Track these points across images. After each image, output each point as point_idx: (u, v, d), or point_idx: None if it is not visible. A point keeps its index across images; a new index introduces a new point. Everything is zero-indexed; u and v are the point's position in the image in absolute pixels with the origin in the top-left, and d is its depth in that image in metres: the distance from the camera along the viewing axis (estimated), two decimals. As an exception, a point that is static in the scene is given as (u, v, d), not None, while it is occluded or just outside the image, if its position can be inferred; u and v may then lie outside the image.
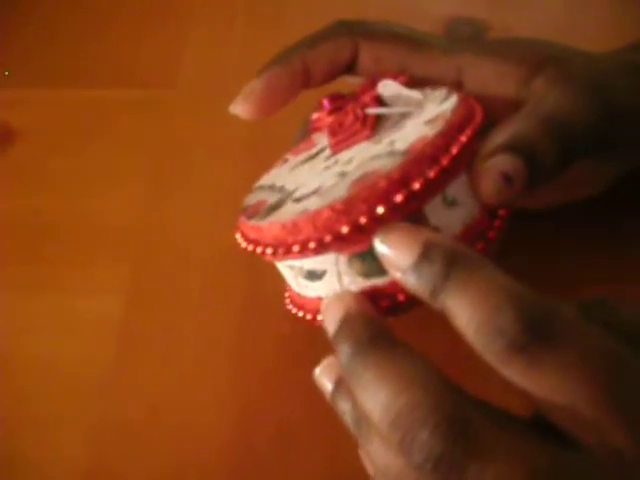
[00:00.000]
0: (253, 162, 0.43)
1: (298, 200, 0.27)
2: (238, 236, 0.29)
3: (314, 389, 0.34)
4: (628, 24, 0.37)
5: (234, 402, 0.34)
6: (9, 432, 0.34)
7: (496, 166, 0.27)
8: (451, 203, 0.26)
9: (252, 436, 0.33)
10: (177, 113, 0.47)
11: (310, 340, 0.34)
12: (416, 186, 0.24)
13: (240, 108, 0.33)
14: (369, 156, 0.27)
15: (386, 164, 0.25)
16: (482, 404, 0.23)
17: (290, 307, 0.30)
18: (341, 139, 0.29)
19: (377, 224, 0.24)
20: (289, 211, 0.26)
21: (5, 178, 0.45)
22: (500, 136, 0.28)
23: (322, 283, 0.27)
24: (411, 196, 0.24)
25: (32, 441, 0.34)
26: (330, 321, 0.25)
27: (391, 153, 0.26)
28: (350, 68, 0.34)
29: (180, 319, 0.37)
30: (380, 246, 0.24)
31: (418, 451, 0.21)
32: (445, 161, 0.25)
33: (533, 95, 0.30)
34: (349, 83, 0.34)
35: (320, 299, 0.27)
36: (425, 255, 0.23)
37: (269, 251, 0.26)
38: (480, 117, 0.27)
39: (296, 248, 0.25)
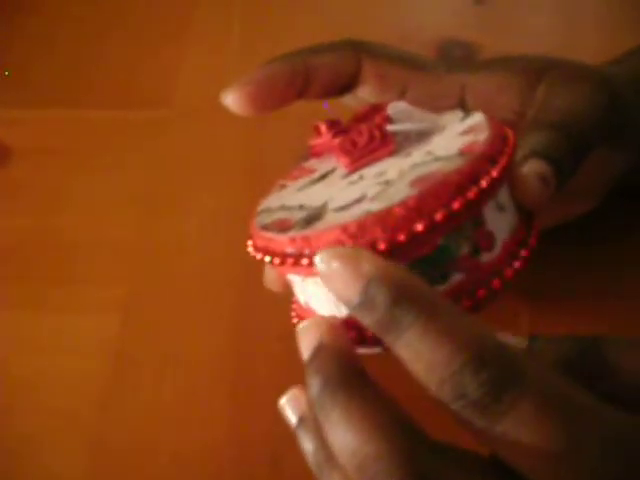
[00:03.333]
0: (249, 183, 0.44)
1: (341, 209, 0.25)
2: (257, 254, 0.27)
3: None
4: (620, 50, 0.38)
5: (230, 419, 0.34)
6: (5, 449, 0.34)
7: (534, 170, 0.28)
8: (501, 208, 0.26)
9: (247, 453, 0.33)
10: (174, 133, 0.48)
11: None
12: (483, 184, 0.24)
13: (231, 98, 0.32)
14: (409, 165, 0.26)
15: (446, 165, 0.24)
16: (446, 450, 0.22)
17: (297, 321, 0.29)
18: (359, 156, 0.28)
19: (450, 222, 0.23)
20: (337, 219, 0.24)
21: (0, 197, 0.45)
22: (524, 147, 0.29)
23: None
24: (481, 193, 0.23)
25: (29, 458, 0.34)
26: (304, 348, 0.24)
27: (440, 158, 0.25)
28: (350, 87, 0.34)
29: (176, 336, 0.38)
30: (323, 271, 0.22)
31: None
32: (503, 161, 0.25)
33: (537, 102, 0.31)
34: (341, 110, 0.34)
35: None
36: (367, 292, 0.21)
37: (305, 262, 0.24)
38: (513, 133, 0.27)
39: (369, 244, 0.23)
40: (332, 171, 0.29)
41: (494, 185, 0.24)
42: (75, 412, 0.35)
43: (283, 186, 0.31)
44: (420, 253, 0.24)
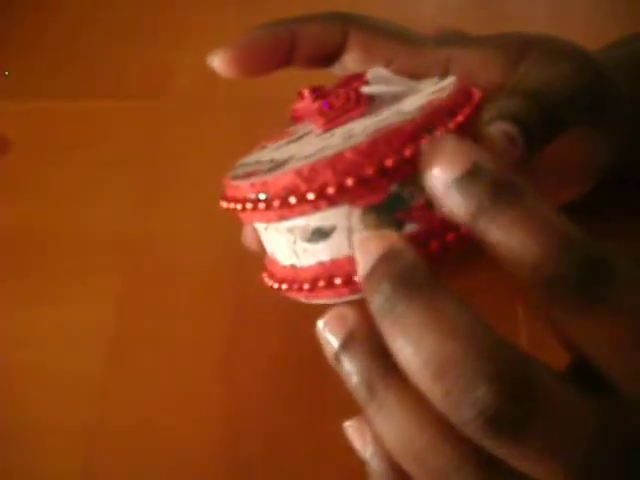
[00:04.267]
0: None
1: (304, 158, 0.25)
2: (224, 203, 0.28)
3: (302, 401, 0.35)
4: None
5: (224, 412, 0.35)
6: (2, 440, 0.34)
7: (500, 129, 0.28)
8: None
9: (240, 447, 0.33)
10: (168, 124, 0.48)
11: (299, 349, 0.35)
12: (438, 134, 0.24)
13: (218, 60, 0.32)
14: (376, 121, 0.26)
15: (406, 117, 0.24)
16: (533, 358, 0.20)
17: (269, 282, 0.29)
18: (333, 117, 0.29)
19: (401, 169, 0.23)
20: (296, 165, 0.25)
21: (-2, 188, 0.45)
22: (492, 110, 0.29)
23: (328, 243, 0.25)
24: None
25: (26, 449, 0.34)
26: (365, 257, 0.21)
27: (404, 112, 0.25)
28: (337, 57, 0.34)
29: (171, 330, 0.38)
30: (427, 157, 0.21)
31: (469, 405, 0.18)
32: (463, 115, 0.25)
33: (518, 74, 0.31)
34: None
35: (320, 265, 0.26)
36: (474, 172, 0.20)
37: (276, 203, 0.24)
38: (480, 92, 0.27)
39: (311, 196, 0.24)
40: (309, 132, 0.30)
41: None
42: (71, 403, 0.35)
43: (264, 147, 0.32)
44: (374, 200, 0.24)
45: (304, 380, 0.35)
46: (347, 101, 0.29)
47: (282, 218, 0.25)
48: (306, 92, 0.31)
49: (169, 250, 0.41)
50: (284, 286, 0.28)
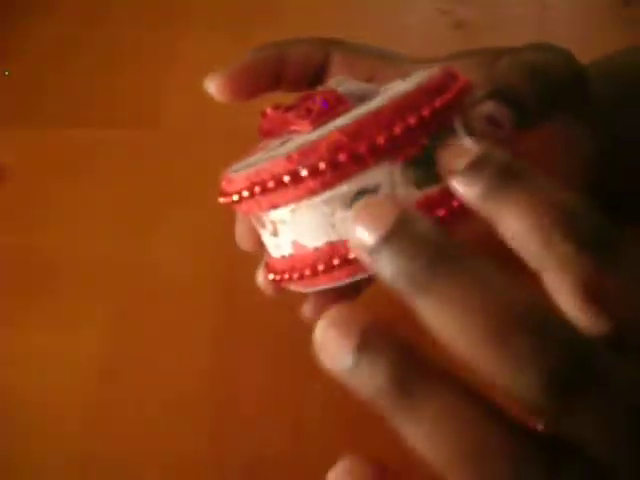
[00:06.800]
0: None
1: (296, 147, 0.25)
2: (235, 196, 0.26)
3: (291, 421, 0.35)
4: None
5: (212, 432, 0.35)
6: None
7: (481, 112, 0.28)
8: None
9: (227, 465, 0.34)
10: (159, 153, 0.48)
11: (287, 370, 0.35)
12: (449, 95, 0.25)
13: (212, 85, 0.33)
14: (375, 103, 0.26)
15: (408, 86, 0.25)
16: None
17: (275, 277, 0.28)
18: (316, 117, 0.28)
19: (433, 121, 0.24)
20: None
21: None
22: (481, 90, 0.29)
23: None
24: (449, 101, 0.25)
25: (14, 475, 0.34)
26: (375, 223, 0.19)
27: (401, 91, 0.26)
28: (321, 79, 0.34)
29: (158, 352, 0.38)
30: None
31: (538, 370, 0.17)
32: (449, 95, 0.25)
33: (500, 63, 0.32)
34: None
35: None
36: (483, 158, 0.21)
37: (322, 166, 0.24)
38: (463, 81, 0.27)
39: (362, 149, 0.23)
40: (290, 138, 0.29)
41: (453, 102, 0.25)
42: (61, 427, 0.35)
43: (243, 159, 0.31)
44: (410, 154, 0.24)
45: (295, 400, 0.35)
46: (326, 102, 0.28)
47: (325, 186, 0.24)
48: (269, 110, 0.30)
49: (158, 275, 0.42)
50: (307, 272, 0.26)
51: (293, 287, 0.28)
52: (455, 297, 0.18)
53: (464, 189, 0.21)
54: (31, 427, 0.36)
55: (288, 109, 0.29)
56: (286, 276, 0.27)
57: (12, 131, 0.51)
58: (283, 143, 0.28)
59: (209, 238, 0.43)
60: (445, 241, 0.19)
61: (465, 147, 0.21)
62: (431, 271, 0.18)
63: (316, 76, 0.34)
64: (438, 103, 0.24)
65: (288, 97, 0.32)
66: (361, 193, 0.24)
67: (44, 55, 0.56)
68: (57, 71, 0.55)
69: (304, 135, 0.27)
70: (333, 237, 0.25)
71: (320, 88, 0.30)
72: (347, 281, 0.26)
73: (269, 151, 0.29)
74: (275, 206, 0.26)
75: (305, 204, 0.25)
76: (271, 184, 0.25)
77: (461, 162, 0.21)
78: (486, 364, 0.18)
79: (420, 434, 0.18)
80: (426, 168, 0.25)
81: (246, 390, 0.36)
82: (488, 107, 0.28)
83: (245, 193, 0.26)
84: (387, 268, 0.18)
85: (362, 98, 0.29)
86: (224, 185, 0.27)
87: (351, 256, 0.25)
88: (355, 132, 0.24)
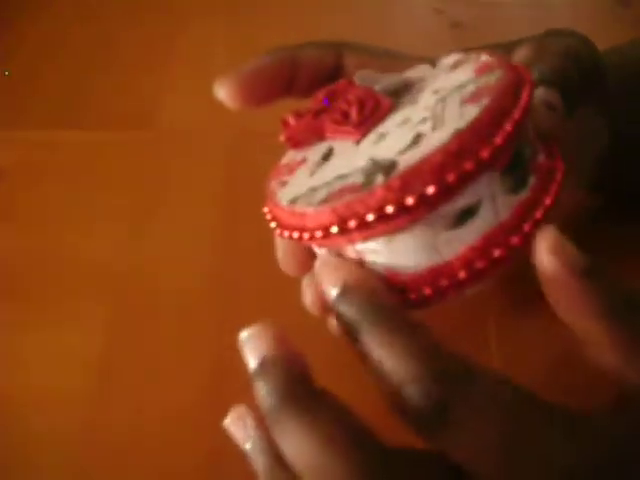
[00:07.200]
0: (230, 201, 0.44)
1: (402, 153, 0.23)
2: (318, 232, 0.24)
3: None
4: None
5: (210, 434, 0.35)
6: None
7: (539, 97, 0.28)
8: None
9: (227, 467, 0.33)
10: (157, 155, 0.48)
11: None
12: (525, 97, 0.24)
13: (223, 91, 0.32)
14: (434, 100, 0.25)
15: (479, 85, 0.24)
16: (400, 452, 0.22)
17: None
18: (360, 121, 0.26)
19: (524, 121, 0.23)
20: (414, 158, 0.23)
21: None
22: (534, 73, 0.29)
23: (479, 220, 0.24)
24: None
25: (16, 476, 0.34)
26: (251, 354, 0.24)
27: (459, 86, 0.25)
28: (333, 81, 0.33)
29: (159, 354, 0.38)
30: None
31: None
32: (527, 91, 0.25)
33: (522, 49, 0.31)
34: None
35: (471, 249, 0.23)
36: (343, 294, 0.23)
37: (430, 190, 0.22)
38: (529, 75, 0.26)
39: (471, 164, 0.22)
40: (331, 148, 0.27)
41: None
42: (59, 430, 0.35)
43: (283, 183, 0.28)
44: (505, 160, 0.24)
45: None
46: (364, 103, 0.27)
47: (432, 208, 0.23)
48: (291, 118, 0.29)
49: (158, 276, 0.42)
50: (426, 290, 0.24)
51: None
52: (294, 435, 0.22)
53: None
54: (30, 427, 0.36)
55: (317, 114, 0.28)
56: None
57: (8, 132, 0.50)
58: (326, 156, 0.27)
59: (209, 237, 0.43)
60: (298, 387, 0.23)
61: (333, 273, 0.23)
62: (278, 410, 0.23)
63: (329, 79, 0.33)
64: (523, 103, 0.24)
65: (286, 102, 0.32)
66: (465, 210, 0.23)
67: (38, 54, 0.56)
68: (56, 74, 0.55)
69: (350, 144, 0.26)
70: (436, 260, 0.24)
71: (340, 84, 0.29)
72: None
73: (317, 168, 0.27)
74: (369, 238, 0.24)
75: (401, 235, 0.24)
76: (370, 217, 0.22)
77: (330, 292, 0.23)
78: None
79: (284, 445, 0.23)
80: (519, 170, 0.24)
81: (247, 392, 0.36)
82: (544, 93, 0.28)
83: (334, 229, 0.23)
84: (259, 392, 0.24)
85: (397, 93, 0.28)
86: (291, 220, 0.25)
87: (461, 276, 0.24)
88: (459, 149, 0.22)
